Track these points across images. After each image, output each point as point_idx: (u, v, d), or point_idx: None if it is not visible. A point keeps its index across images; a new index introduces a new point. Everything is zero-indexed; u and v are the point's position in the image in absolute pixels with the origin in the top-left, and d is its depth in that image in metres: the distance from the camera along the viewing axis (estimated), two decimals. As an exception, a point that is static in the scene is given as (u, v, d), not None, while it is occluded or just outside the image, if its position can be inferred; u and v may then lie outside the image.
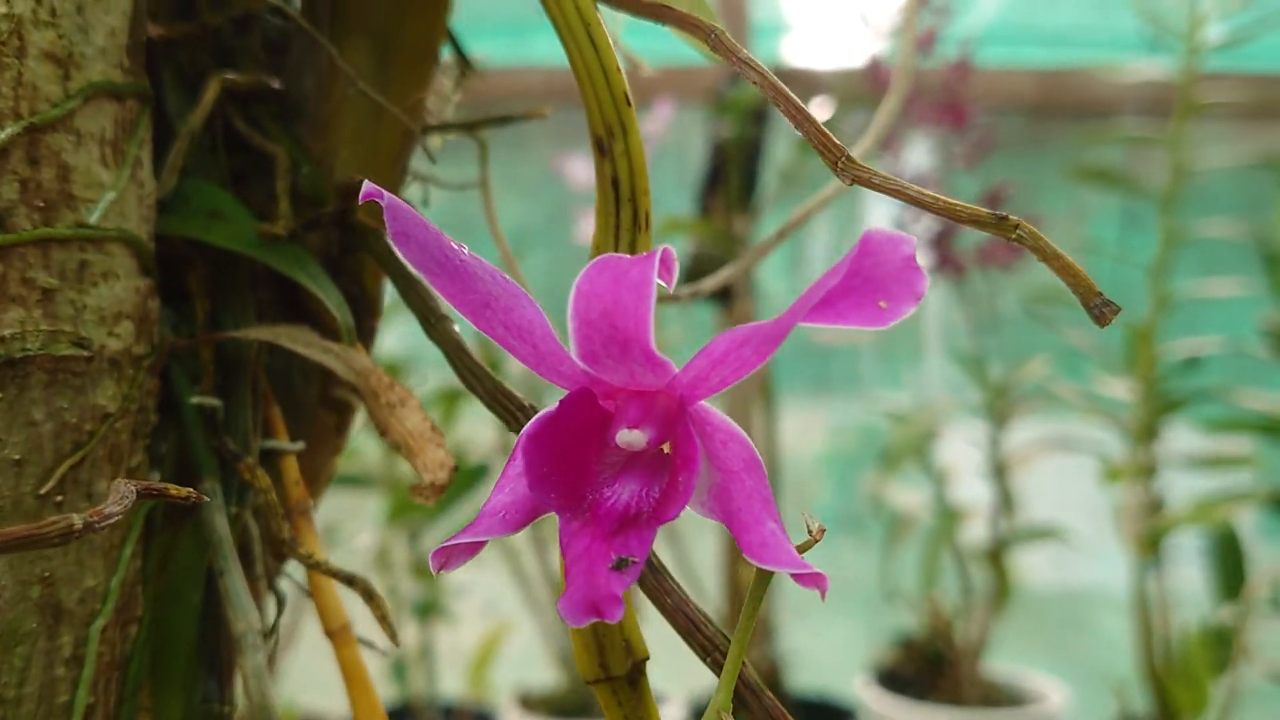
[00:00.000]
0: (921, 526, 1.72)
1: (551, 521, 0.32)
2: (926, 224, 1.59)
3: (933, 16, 1.59)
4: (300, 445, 0.41)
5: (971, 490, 1.77)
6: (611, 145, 0.33)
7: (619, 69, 0.33)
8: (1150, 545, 1.66)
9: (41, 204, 0.33)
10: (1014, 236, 0.30)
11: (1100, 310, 0.29)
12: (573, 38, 0.33)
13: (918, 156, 1.74)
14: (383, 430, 0.36)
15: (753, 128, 1.88)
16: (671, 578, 0.34)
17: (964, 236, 1.61)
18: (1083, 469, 1.68)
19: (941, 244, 1.59)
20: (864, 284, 0.24)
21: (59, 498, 0.34)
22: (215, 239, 0.39)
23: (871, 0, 1.76)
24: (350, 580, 0.36)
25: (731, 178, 1.87)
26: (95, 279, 0.35)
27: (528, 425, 0.26)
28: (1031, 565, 1.87)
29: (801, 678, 1.83)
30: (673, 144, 2.03)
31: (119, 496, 0.22)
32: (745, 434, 0.27)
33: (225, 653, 0.39)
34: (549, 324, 0.26)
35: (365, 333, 0.44)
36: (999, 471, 1.69)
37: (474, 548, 0.27)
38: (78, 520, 0.21)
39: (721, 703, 0.28)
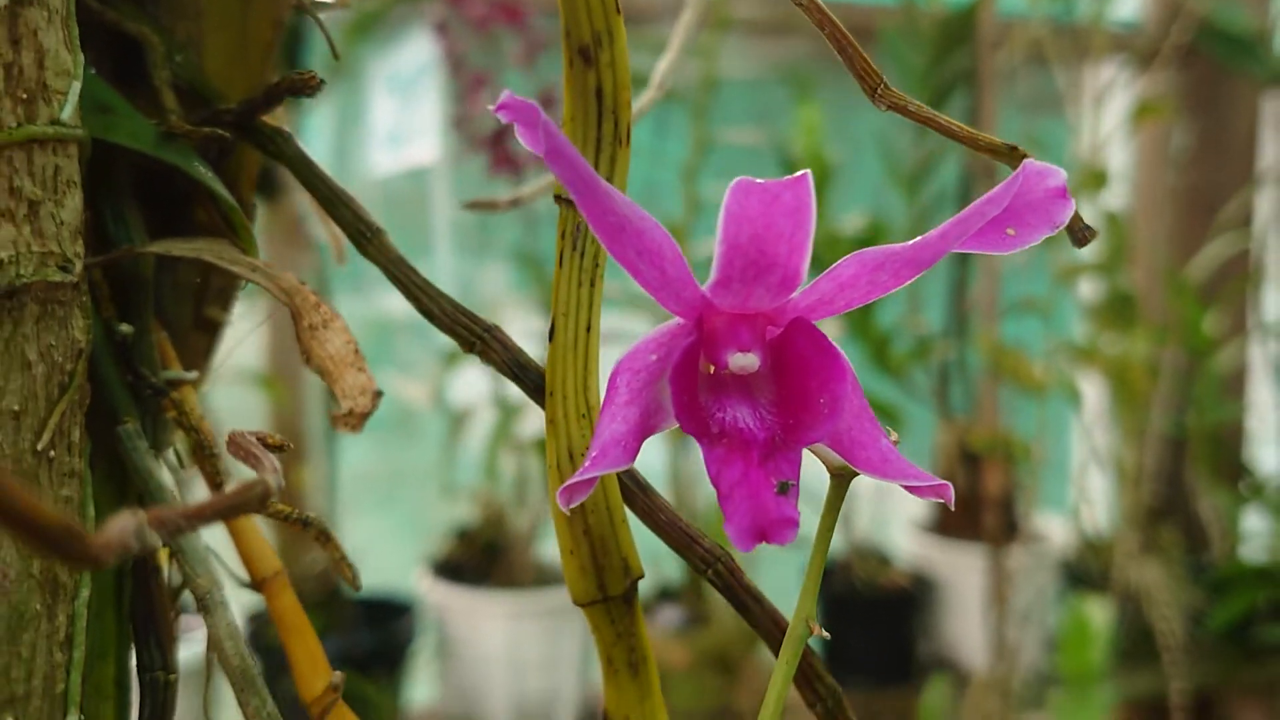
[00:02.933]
0: (480, 420, 1.76)
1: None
2: (484, 123, 1.60)
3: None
4: (195, 375, 0.34)
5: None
6: (598, 54, 0.30)
7: None
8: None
9: (24, 95, 0.27)
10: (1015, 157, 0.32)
11: (1083, 233, 0.32)
12: None
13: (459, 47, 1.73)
14: (305, 353, 0.31)
15: (293, 14, 1.79)
16: (659, 495, 0.33)
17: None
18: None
19: (497, 144, 1.60)
20: (1006, 212, 0.24)
21: (52, 451, 0.28)
22: (118, 137, 0.31)
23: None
24: (305, 523, 0.31)
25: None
26: (65, 188, 0.29)
27: (639, 355, 0.25)
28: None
29: (362, 577, 1.82)
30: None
31: (270, 466, 0.18)
32: (843, 354, 0.26)
33: (160, 615, 0.32)
34: (679, 248, 0.24)
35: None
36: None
37: (593, 482, 0.25)
38: (272, 481, 0.16)
39: (809, 611, 0.28)
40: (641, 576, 0.34)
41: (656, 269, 0.25)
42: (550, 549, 1.87)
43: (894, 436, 0.27)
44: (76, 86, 0.29)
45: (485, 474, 1.72)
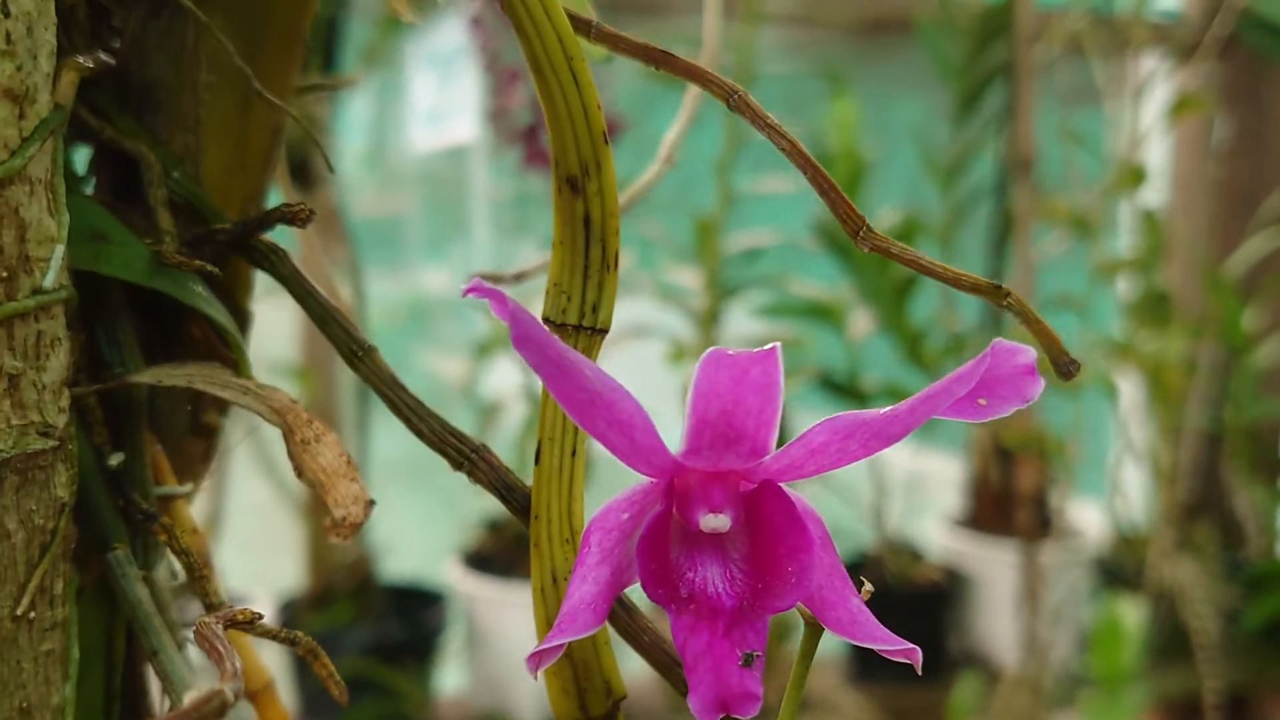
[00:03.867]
0: (512, 412, 1.77)
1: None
2: (519, 117, 1.61)
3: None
4: (190, 488, 0.35)
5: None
6: (585, 184, 0.31)
7: (599, 106, 0.31)
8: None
9: (5, 274, 0.28)
10: (1005, 303, 0.33)
11: (1068, 368, 0.33)
12: (553, 72, 0.30)
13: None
14: (298, 467, 0.32)
15: (330, 5, 1.79)
16: (644, 615, 0.34)
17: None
18: (659, 352, 1.79)
19: (530, 138, 1.60)
20: (984, 383, 0.24)
21: (31, 613, 0.29)
22: (111, 269, 0.32)
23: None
24: (293, 641, 0.32)
25: (309, 57, 1.77)
26: (48, 350, 0.30)
27: (610, 513, 0.26)
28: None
29: (392, 565, 1.85)
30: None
31: (231, 670, 0.18)
32: (816, 511, 0.26)
33: None
34: (649, 417, 0.25)
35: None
36: (581, 358, 1.77)
37: (560, 648, 0.25)
38: (229, 691, 0.17)
39: None
40: (624, 697, 0.34)
41: (627, 438, 0.25)
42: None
43: (866, 591, 0.28)
44: (60, 249, 0.29)
45: (515, 467, 1.73)
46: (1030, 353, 0.26)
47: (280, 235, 0.39)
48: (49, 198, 0.29)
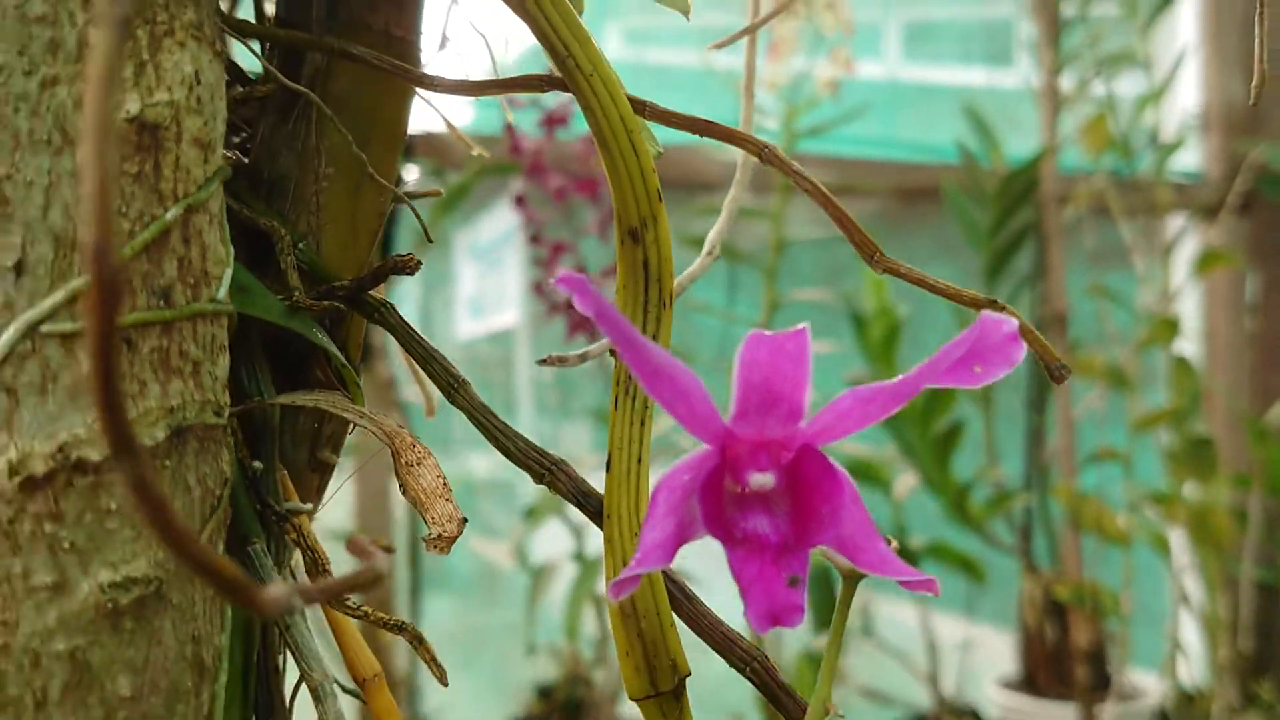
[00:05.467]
0: (562, 577, 1.78)
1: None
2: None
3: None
4: (310, 506, 0.40)
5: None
6: (644, 234, 0.36)
7: (654, 169, 0.37)
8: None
9: (192, 281, 0.34)
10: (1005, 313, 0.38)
11: (1059, 371, 0.37)
12: (615, 143, 0.36)
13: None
14: (402, 486, 0.36)
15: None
16: (703, 603, 0.37)
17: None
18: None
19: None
20: (974, 353, 0.29)
21: None
22: (255, 311, 0.38)
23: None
24: (400, 627, 0.36)
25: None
26: (219, 352, 0.36)
27: (677, 475, 0.30)
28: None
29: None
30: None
31: (381, 559, 0.22)
32: (847, 473, 0.31)
33: (279, 704, 0.37)
34: (704, 388, 0.29)
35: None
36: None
37: (638, 579, 0.29)
38: (382, 567, 0.20)
39: (825, 695, 0.32)
40: (689, 674, 0.38)
41: (686, 406, 0.29)
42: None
43: (893, 544, 0.31)
44: (228, 272, 0.34)
45: (566, 632, 1.74)
46: (1013, 323, 0.30)
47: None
48: (220, 231, 0.35)
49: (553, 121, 1.70)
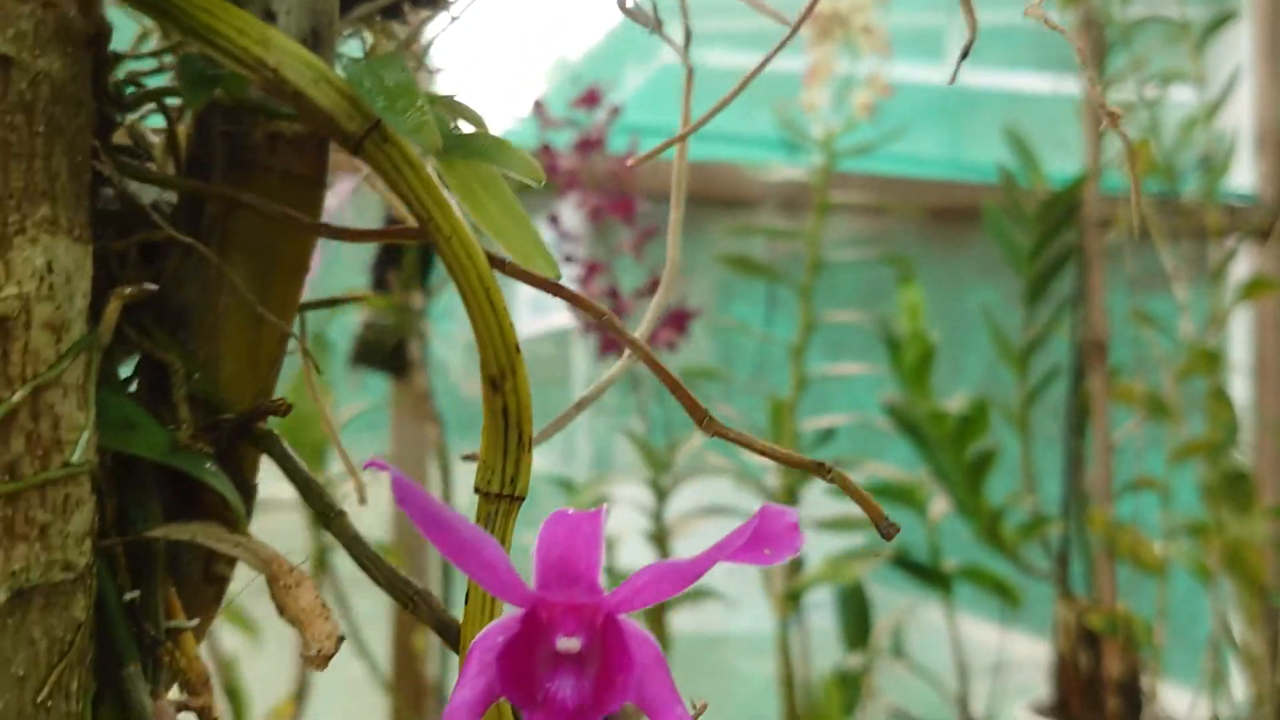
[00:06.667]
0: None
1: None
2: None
3: (604, 114, 1.71)
4: (196, 623, 0.43)
5: (636, 554, 1.88)
6: (503, 383, 0.39)
7: (512, 325, 0.40)
8: (791, 603, 1.82)
9: (41, 452, 0.37)
10: (829, 477, 0.41)
11: (887, 529, 0.41)
12: (475, 301, 0.39)
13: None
14: (280, 607, 0.40)
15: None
16: None
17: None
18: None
19: (606, 329, 1.69)
20: (759, 538, 0.31)
21: (49, 702, 0.38)
22: (136, 449, 0.42)
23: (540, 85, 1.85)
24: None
25: (408, 253, 1.91)
26: (74, 508, 0.39)
27: (488, 637, 0.32)
28: (678, 618, 2.00)
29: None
30: (351, 219, 2.05)
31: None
32: (653, 638, 0.33)
33: None
34: (509, 560, 0.32)
35: (249, 514, 0.47)
36: (661, 537, 1.82)
37: None
38: None
39: None
40: None
41: (493, 575, 0.32)
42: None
43: (700, 705, 0.34)
44: (86, 434, 0.38)
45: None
46: (793, 513, 0.32)
47: (374, 418, 0.47)
48: (80, 397, 0.38)
49: (588, 145, 1.72)
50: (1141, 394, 1.78)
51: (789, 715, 1.86)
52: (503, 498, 0.41)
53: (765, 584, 1.86)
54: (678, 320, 1.75)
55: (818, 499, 1.94)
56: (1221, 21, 1.86)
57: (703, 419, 0.41)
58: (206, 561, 0.47)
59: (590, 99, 1.74)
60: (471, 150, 0.41)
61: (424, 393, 1.89)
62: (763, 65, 0.58)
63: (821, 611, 1.98)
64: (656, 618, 1.81)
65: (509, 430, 0.40)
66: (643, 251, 1.77)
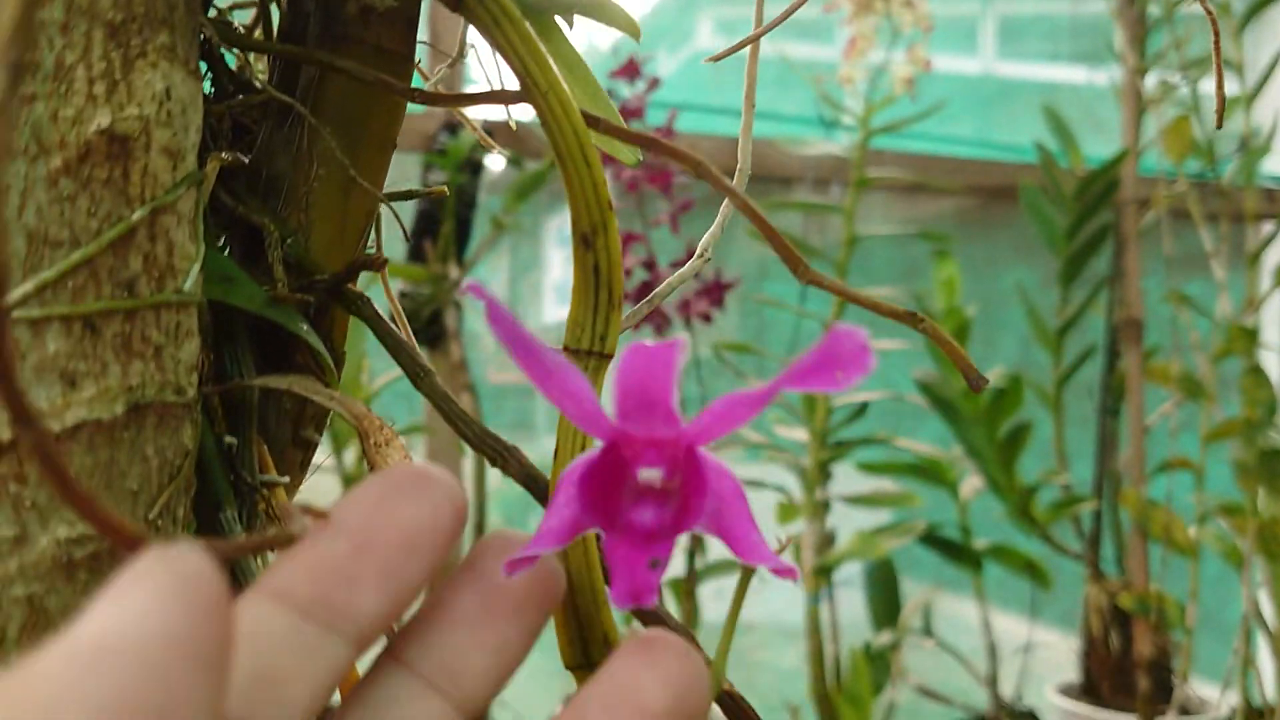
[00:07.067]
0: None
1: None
2: (635, 278, 1.71)
3: (643, 86, 1.72)
4: (288, 479, 0.44)
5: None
6: (595, 240, 0.40)
7: (605, 181, 0.40)
8: (822, 577, 1.83)
9: (157, 274, 0.38)
10: (921, 327, 0.42)
11: (977, 381, 0.41)
12: (570, 156, 0.40)
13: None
14: (371, 464, 0.41)
15: (467, 177, 1.95)
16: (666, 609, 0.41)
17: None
18: (768, 507, 1.83)
19: (641, 297, 1.70)
20: (829, 361, 0.31)
21: (159, 521, 0.39)
22: (236, 300, 0.43)
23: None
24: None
25: (446, 224, 1.93)
26: (184, 337, 0.40)
27: (574, 469, 0.33)
28: (707, 608, 2.01)
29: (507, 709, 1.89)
30: (388, 188, 2.06)
31: (300, 523, 0.26)
32: (732, 470, 0.34)
33: None
34: (594, 392, 0.33)
35: (338, 379, 0.48)
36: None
37: (533, 559, 0.33)
38: (298, 529, 0.24)
39: (719, 673, 0.35)
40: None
41: (576, 405, 0.33)
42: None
43: (785, 540, 0.34)
44: (195, 266, 0.38)
45: (625, 617, 1.77)
46: (863, 332, 0.32)
47: (408, 387, 0.48)
48: (190, 229, 0.39)
49: (626, 115, 1.73)
50: (1177, 375, 1.77)
51: (819, 695, 1.86)
52: (592, 355, 0.41)
53: (799, 559, 1.86)
54: (714, 292, 1.75)
55: (849, 475, 1.95)
56: (1264, 4, 1.86)
57: (799, 268, 0.41)
58: (295, 424, 0.48)
59: (630, 70, 1.75)
60: (562, 5, 0.42)
61: (459, 362, 1.91)
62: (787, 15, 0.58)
63: (849, 594, 1.98)
64: (688, 597, 1.81)
65: (599, 288, 0.41)
66: (679, 224, 1.78)
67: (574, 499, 0.34)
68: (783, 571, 0.33)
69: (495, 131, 1.97)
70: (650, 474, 0.33)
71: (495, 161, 2.27)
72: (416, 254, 1.98)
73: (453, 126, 1.93)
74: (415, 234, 1.99)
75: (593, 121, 0.42)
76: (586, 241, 0.41)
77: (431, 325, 1.94)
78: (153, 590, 0.21)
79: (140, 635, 0.20)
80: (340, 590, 0.29)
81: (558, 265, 3.32)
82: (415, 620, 0.33)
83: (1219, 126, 0.53)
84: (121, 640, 0.20)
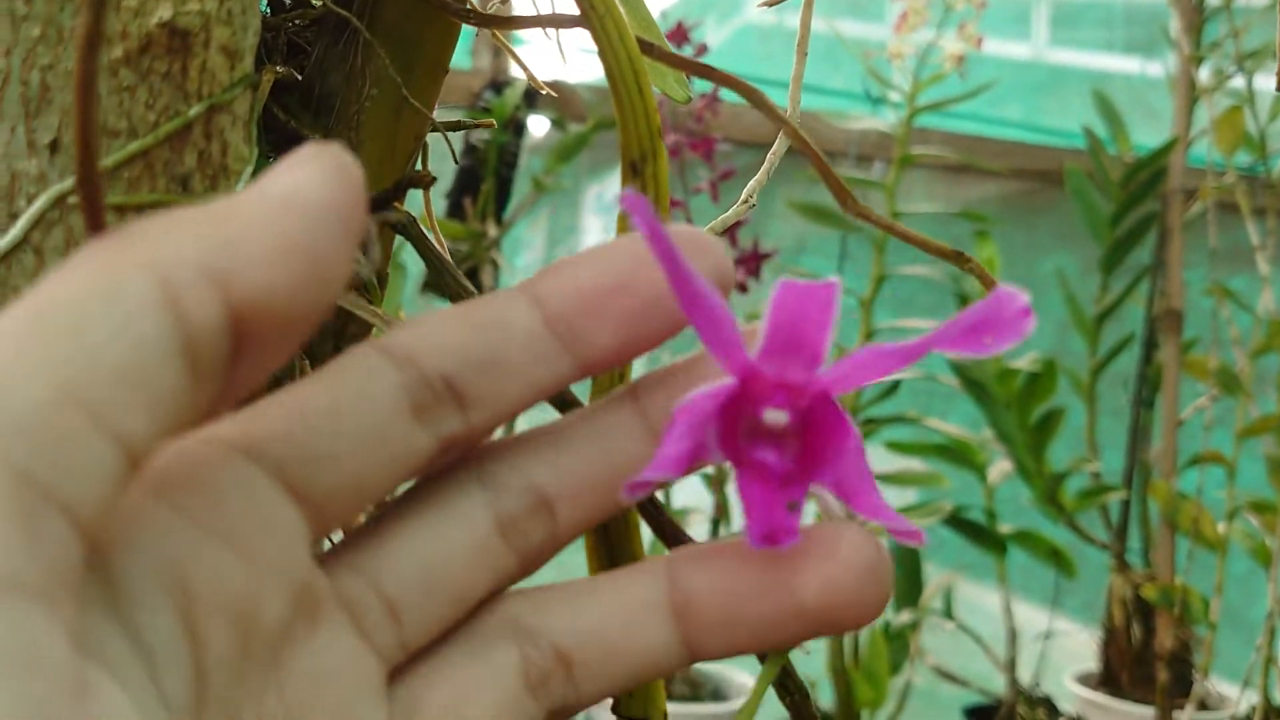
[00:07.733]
0: (697, 525, 1.83)
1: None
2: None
3: (690, 52, 1.71)
4: None
5: (691, 495, 1.90)
6: (644, 167, 0.40)
7: (656, 109, 0.40)
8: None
9: (211, 172, 0.38)
10: (966, 267, 0.40)
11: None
12: (623, 81, 0.40)
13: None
14: None
15: (509, 136, 1.95)
16: (671, 518, 0.41)
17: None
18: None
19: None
20: (987, 323, 0.30)
21: None
22: None
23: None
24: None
25: (487, 182, 1.93)
26: None
27: (694, 401, 0.32)
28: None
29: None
30: (429, 146, 2.07)
31: None
32: (856, 427, 0.33)
33: None
34: (737, 324, 0.31)
35: (381, 298, 0.48)
36: (719, 480, 1.82)
37: (653, 484, 0.31)
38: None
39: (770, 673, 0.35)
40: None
41: (717, 334, 0.32)
42: (714, 666, 1.90)
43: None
44: (249, 169, 0.39)
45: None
46: (1025, 296, 0.31)
47: None
48: (245, 132, 0.39)
49: (673, 79, 1.72)
50: (1214, 368, 1.76)
51: (837, 673, 1.86)
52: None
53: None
54: (751, 261, 1.75)
55: (877, 454, 1.94)
56: (1323, -2, 1.83)
57: (846, 200, 0.41)
58: (337, 339, 0.48)
59: (679, 35, 1.74)
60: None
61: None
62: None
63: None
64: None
65: (650, 214, 0.41)
66: (719, 192, 1.77)
67: (692, 431, 0.33)
68: (905, 534, 0.32)
69: (536, 95, 1.97)
70: (776, 416, 0.32)
71: (538, 124, 2.27)
72: (456, 211, 1.99)
73: (498, 85, 1.93)
74: (456, 191, 1.99)
75: (646, 47, 0.42)
76: (635, 169, 0.41)
77: (469, 277, 1.95)
78: (319, 167, 0.25)
79: (315, 195, 0.24)
80: (586, 318, 0.30)
81: (595, 232, 3.32)
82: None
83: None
84: (299, 194, 0.24)
